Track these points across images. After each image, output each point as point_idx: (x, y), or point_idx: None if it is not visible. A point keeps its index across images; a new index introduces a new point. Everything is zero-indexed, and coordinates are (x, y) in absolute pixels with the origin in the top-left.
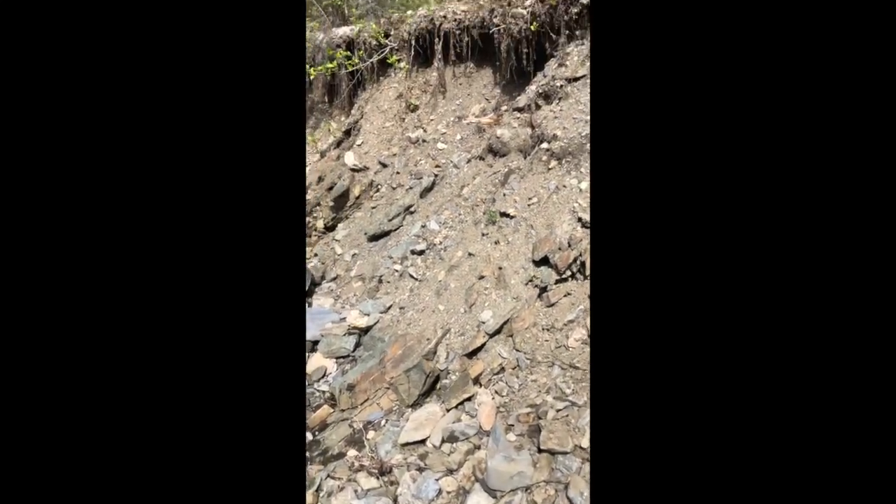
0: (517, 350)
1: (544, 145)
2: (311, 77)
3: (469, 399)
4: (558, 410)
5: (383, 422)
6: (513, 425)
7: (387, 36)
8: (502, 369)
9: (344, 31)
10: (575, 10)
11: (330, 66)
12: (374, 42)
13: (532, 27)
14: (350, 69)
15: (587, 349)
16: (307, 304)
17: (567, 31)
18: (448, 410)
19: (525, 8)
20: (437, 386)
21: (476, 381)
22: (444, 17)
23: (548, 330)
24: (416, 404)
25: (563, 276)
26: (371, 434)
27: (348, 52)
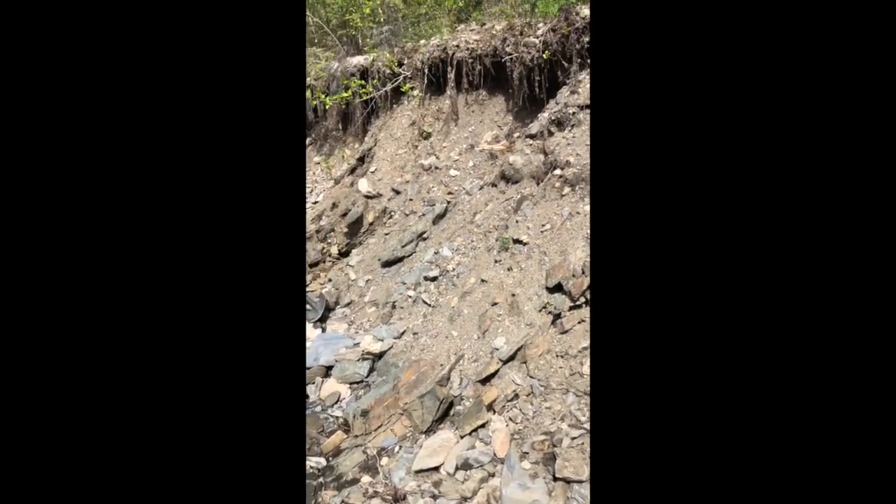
0: (531, 377)
1: (557, 172)
2: (327, 106)
3: (483, 426)
4: (573, 438)
5: (397, 448)
6: (527, 453)
7: (400, 65)
8: (516, 396)
9: (358, 60)
10: (587, 38)
11: (345, 94)
12: (387, 71)
13: (544, 56)
14: (364, 97)
15: None
16: (321, 329)
17: (579, 60)
18: (462, 437)
19: (537, 37)
20: (451, 412)
21: (490, 407)
22: (457, 46)
23: (562, 357)
24: (429, 430)
25: (577, 302)
26: (385, 460)
27: (362, 81)
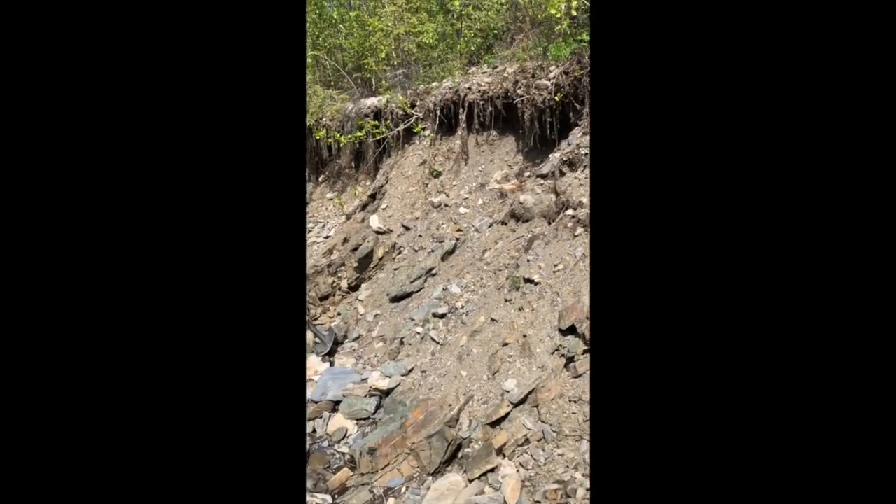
0: (542, 422)
1: (570, 212)
2: (342, 144)
3: (492, 470)
4: (587, 489)
5: (404, 489)
6: (539, 502)
7: (413, 106)
8: (527, 441)
9: (372, 101)
10: None
11: (359, 134)
12: (400, 112)
13: (556, 98)
14: (377, 137)
15: None
16: (329, 363)
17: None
18: (471, 481)
19: (549, 80)
20: (459, 454)
21: (500, 451)
22: (469, 88)
23: (575, 402)
24: (437, 472)
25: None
26: (391, 501)
27: (376, 122)
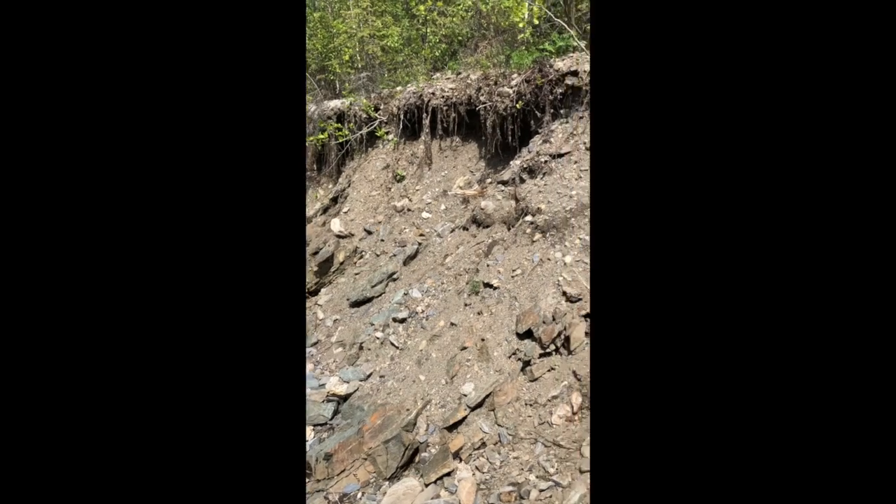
0: (499, 425)
1: (528, 218)
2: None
3: (448, 474)
4: (542, 490)
5: (360, 495)
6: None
7: (376, 109)
8: (483, 444)
9: (335, 104)
10: (560, 90)
11: (321, 136)
12: (363, 115)
13: (518, 105)
14: (340, 140)
15: (571, 426)
16: None
17: (552, 110)
18: (427, 485)
19: (511, 87)
20: (417, 459)
21: (456, 455)
22: (433, 93)
23: (531, 405)
24: (394, 477)
25: (547, 350)
26: None
27: (339, 124)
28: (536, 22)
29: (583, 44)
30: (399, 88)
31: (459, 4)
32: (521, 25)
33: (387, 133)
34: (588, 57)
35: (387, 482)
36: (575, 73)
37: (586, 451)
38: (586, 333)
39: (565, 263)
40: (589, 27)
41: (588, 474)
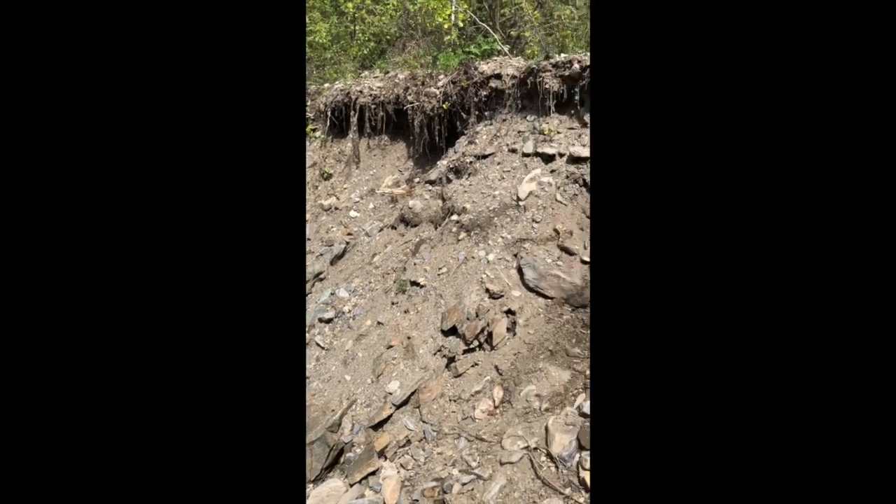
0: (424, 422)
1: (455, 217)
2: None
3: (373, 473)
4: (464, 484)
5: None
6: (417, 500)
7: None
8: (408, 442)
9: None
10: (484, 92)
11: None
12: None
13: (444, 106)
14: None
15: (493, 420)
16: None
17: (477, 112)
18: (351, 486)
19: (438, 88)
20: (342, 459)
21: (381, 454)
22: (361, 91)
23: (454, 401)
24: (318, 479)
25: (471, 346)
26: None
27: None
28: (461, 24)
29: (506, 48)
30: (327, 86)
31: (388, 3)
32: (446, 27)
33: (314, 130)
34: (510, 61)
35: (311, 484)
36: (499, 77)
37: (507, 443)
38: (508, 329)
39: (489, 261)
40: (512, 32)
41: (508, 465)
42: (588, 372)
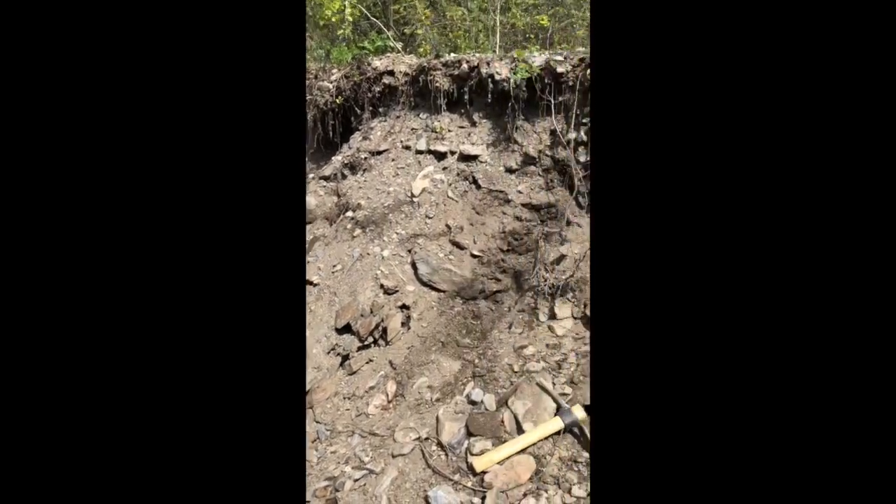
0: (317, 422)
1: (349, 214)
2: None
3: None
4: (356, 480)
5: None
6: (309, 501)
7: None
8: None
9: None
10: (378, 88)
11: None
12: None
13: (338, 101)
14: None
15: (386, 414)
16: None
17: (371, 108)
18: None
19: (331, 82)
20: None
21: None
22: None
23: (349, 399)
24: None
25: (366, 342)
26: None
27: None
28: (350, 19)
29: (399, 45)
30: None
31: None
32: (334, 20)
33: None
34: (403, 58)
35: None
36: (392, 73)
37: (399, 435)
38: (402, 323)
39: (383, 257)
40: (405, 30)
41: (399, 458)
42: (476, 361)
